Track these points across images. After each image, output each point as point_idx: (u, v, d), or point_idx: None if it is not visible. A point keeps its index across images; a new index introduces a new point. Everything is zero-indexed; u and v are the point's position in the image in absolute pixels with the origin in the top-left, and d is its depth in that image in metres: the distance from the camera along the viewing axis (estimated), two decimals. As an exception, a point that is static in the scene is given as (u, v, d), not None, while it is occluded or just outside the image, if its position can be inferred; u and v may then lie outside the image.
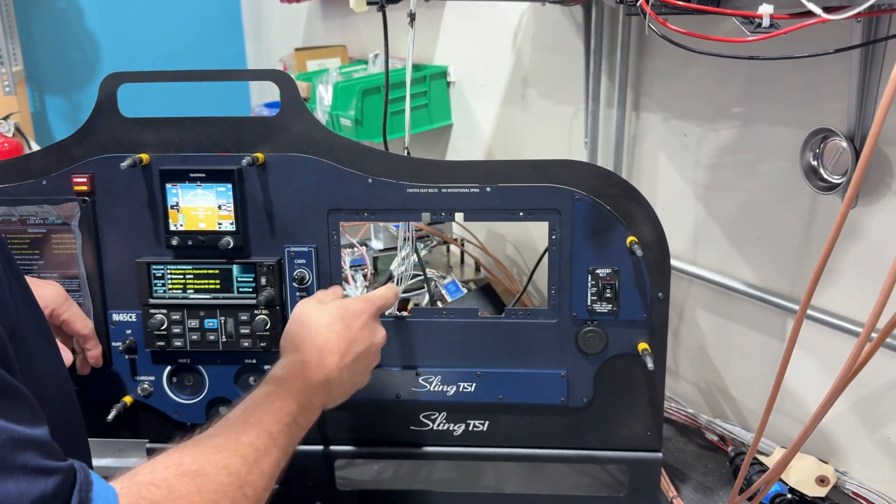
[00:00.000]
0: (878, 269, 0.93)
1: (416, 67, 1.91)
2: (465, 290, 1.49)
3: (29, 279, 0.75)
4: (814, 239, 1.03)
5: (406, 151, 1.03)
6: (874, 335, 0.65)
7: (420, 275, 1.36)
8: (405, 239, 1.20)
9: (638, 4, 0.62)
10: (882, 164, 0.90)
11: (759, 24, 0.57)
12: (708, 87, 1.14)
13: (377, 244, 1.52)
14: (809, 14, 0.55)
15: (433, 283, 1.41)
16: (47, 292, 0.90)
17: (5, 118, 2.39)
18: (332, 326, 0.82)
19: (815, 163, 0.98)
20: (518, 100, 1.60)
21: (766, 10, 0.57)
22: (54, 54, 3.22)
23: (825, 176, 0.97)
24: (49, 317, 0.88)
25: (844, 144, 0.92)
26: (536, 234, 1.59)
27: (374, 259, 1.48)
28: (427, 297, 1.38)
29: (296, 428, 0.73)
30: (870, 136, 0.57)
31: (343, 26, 2.49)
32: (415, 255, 1.26)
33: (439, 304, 1.37)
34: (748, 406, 1.19)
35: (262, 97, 3.12)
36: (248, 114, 3.44)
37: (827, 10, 0.55)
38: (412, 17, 1.02)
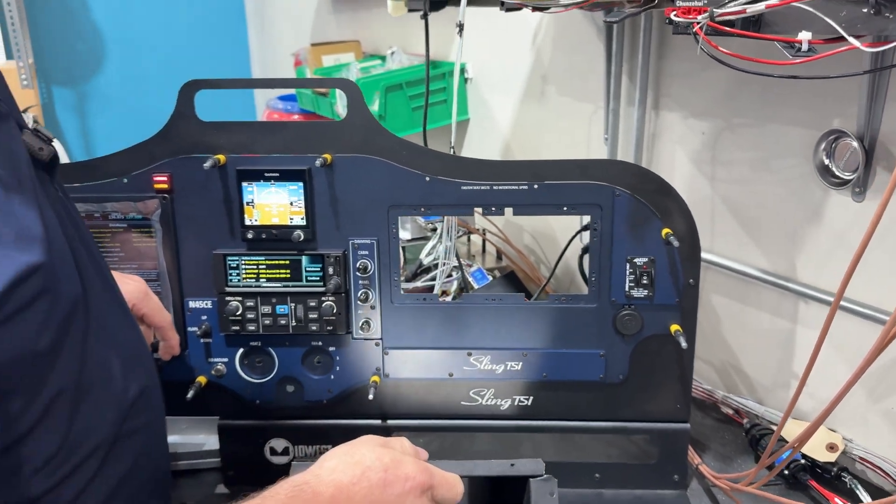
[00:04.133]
0: (884, 256, 1.04)
1: (434, 65, 2.00)
2: (490, 278, 1.59)
3: (114, 273, 0.83)
4: (823, 229, 1.13)
5: (452, 150, 1.11)
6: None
7: (447, 263, 1.46)
8: (447, 231, 1.29)
9: (691, 29, 0.71)
10: (891, 163, 1.00)
11: (800, 49, 0.66)
12: (726, 90, 1.24)
13: (405, 234, 1.60)
14: (843, 40, 0.65)
15: (447, 271, 1.51)
16: (129, 287, 0.96)
17: (24, 111, 2.45)
18: (369, 472, 0.68)
19: (827, 161, 1.08)
20: (537, 96, 1.69)
21: (804, 36, 0.66)
22: (61, 46, 3.26)
23: (837, 173, 1.07)
24: (131, 310, 0.95)
25: (855, 144, 1.02)
26: (556, 224, 1.69)
27: (403, 249, 1.57)
28: (455, 283, 1.47)
29: None
30: None
31: (355, 21, 2.55)
32: (445, 245, 1.35)
33: (448, 293, 1.45)
34: (760, 382, 1.30)
35: (269, 92, 3.18)
36: (253, 104, 3.50)
37: (856, 37, 0.65)
38: (461, 27, 1.10)
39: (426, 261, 1.55)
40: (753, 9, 0.64)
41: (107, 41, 3.33)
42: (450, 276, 1.49)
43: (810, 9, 0.63)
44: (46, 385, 0.59)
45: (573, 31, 1.54)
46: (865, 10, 0.63)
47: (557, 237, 1.69)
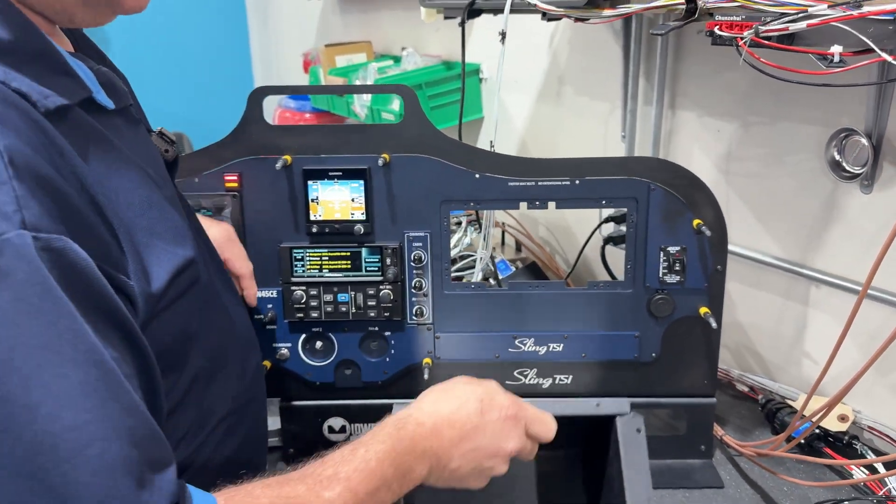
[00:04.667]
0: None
1: (448, 65, 2.08)
2: (513, 269, 1.69)
3: (199, 217, 0.89)
4: (833, 219, 1.23)
5: (492, 148, 1.19)
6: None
7: (470, 255, 1.56)
8: (485, 224, 1.38)
9: (734, 42, 0.80)
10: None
11: (832, 61, 0.76)
12: (741, 90, 1.33)
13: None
14: (871, 52, 0.74)
15: (485, 262, 1.60)
16: (215, 231, 0.98)
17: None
18: (466, 403, 0.75)
19: (838, 157, 1.18)
20: (553, 96, 1.79)
21: (836, 49, 0.76)
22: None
23: (846, 167, 1.18)
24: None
25: (864, 141, 1.13)
26: (571, 217, 1.78)
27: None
28: (478, 273, 1.56)
29: (386, 492, 0.68)
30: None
31: (364, 22, 2.62)
32: (483, 236, 1.44)
33: (491, 280, 1.55)
34: (773, 361, 1.40)
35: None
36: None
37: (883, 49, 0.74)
38: (503, 35, 1.19)
39: (453, 252, 1.64)
40: (795, 27, 0.74)
41: (106, 40, 3.37)
42: (471, 267, 1.59)
43: (845, 26, 0.72)
44: (189, 363, 0.67)
45: (590, 34, 1.63)
46: (891, 28, 0.72)
47: (573, 229, 1.78)
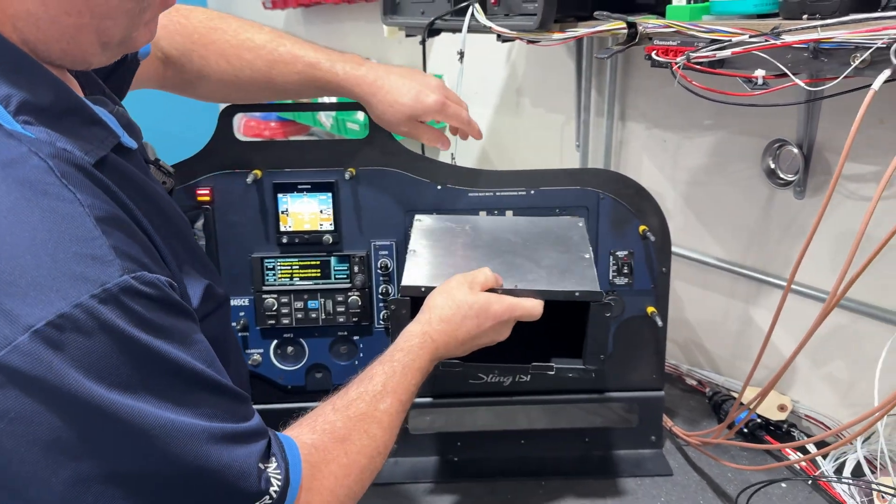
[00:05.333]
0: (815, 243, 1.24)
1: (411, 76, 2.15)
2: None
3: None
4: (771, 222, 1.33)
5: (452, 160, 1.26)
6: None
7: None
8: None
9: (669, 66, 0.88)
10: (825, 167, 1.20)
11: (756, 83, 0.84)
12: (684, 103, 1.42)
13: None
14: (788, 76, 0.83)
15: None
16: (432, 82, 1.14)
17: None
18: (466, 318, 0.93)
19: (773, 165, 1.27)
20: (512, 108, 1.86)
21: (760, 73, 0.84)
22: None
23: (781, 175, 1.27)
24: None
25: (796, 151, 1.22)
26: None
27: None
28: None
29: (414, 392, 0.88)
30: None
31: (327, 33, 2.67)
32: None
33: None
34: (719, 355, 1.49)
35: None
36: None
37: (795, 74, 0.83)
38: (461, 54, 1.26)
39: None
40: (722, 54, 0.82)
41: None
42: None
43: (764, 55, 0.81)
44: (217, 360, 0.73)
45: (544, 49, 1.71)
46: (806, 55, 0.81)
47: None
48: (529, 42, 1.13)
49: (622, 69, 1.52)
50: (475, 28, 1.20)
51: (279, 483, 0.65)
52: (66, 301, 0.54)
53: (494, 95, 1.90)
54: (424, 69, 1.39)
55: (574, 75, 1.61)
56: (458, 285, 0.95)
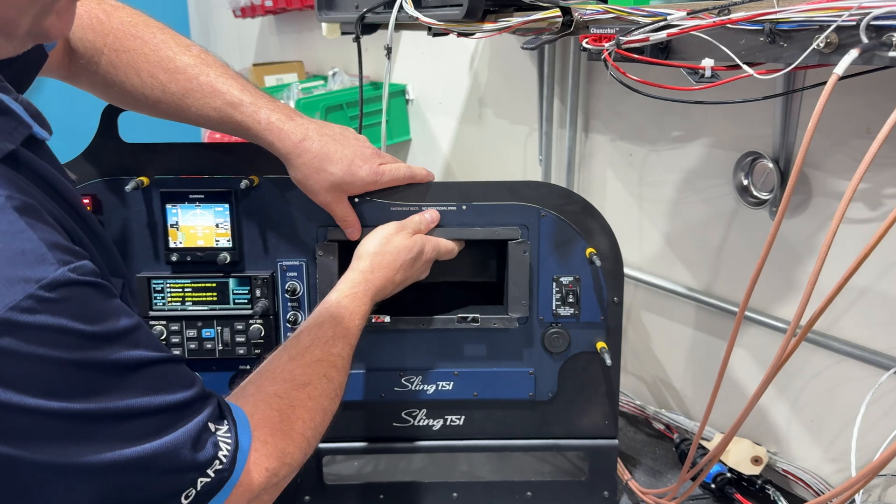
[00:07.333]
0: (798, 271, 1.08)
1: (374, 85, 2.01)
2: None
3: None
4: (745, 247, 1.17)
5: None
6: (798, 331, 0.78)
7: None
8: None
9: (601, 56, 0.73)
10: (803, 183, 1.04)
11: (703, 75, 0.69)
12: (650, 113, 1.27)
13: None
14: (740, 68, 0.67)
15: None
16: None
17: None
18: (405, 262, 0.97)
19: (746, 181, 1.11)
20: (476, 118, 1.72)
21: (707, 63, 0.69)
22: None
23: (755, 193, 1.11)
24: None
25: (771, 165, 1.06)
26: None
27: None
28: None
29: (359, 333, 0.90)
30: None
31: (298, 42, 2.56)
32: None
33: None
34: (689, 396, 1.33)
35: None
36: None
37: (751, 64, 0.68)
38: (388, 50, 1.11)
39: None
40: (656, 37, 0.67)
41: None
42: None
43: (708, 38, 0.65)
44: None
45: (507, 55, 1.57)
46: (762, 39, 0.65)
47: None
48: (460, 35, 0.98)
49: (585, 74, 1.37)
50: (403, 21, 1.05)
51: (229, 448, 0.65)
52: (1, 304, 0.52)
53: (457, 106, 1.76)
54: (360, 70, 1.24)
55: (537, 83, 1.46)
56: (396, 231, 0.98)
